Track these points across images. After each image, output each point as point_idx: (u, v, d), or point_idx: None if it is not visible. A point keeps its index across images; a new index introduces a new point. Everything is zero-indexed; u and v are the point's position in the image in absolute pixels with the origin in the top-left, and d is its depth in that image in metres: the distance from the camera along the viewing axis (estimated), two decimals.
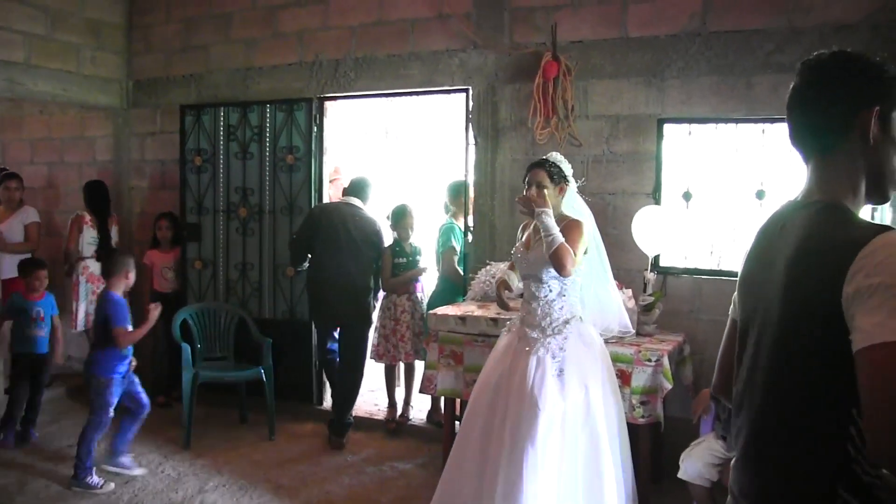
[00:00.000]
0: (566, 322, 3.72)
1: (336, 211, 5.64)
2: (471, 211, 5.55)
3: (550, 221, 3.64)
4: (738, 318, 1.76)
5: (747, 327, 1.69)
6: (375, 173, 6.53)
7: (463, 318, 4.56)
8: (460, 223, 5.71)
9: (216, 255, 6.41)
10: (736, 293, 1.83)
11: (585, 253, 3.79)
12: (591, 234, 3.86)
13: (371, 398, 6.48)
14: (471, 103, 5.40)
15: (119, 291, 4.90)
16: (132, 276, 5.03)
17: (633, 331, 4.23)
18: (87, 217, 6.53)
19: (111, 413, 4.87)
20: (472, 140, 5.39)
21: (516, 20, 5.21)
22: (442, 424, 5.12)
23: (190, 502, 4.58)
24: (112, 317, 4.76)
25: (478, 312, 4.60)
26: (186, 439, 5.44)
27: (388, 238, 5.82)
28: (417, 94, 5.84)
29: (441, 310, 4.78)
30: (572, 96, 4.94)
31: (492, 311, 4.59)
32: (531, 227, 3.90)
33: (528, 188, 3.82)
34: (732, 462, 1.74)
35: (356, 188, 5.79)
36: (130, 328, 4.88)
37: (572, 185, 3.90)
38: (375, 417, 5.96)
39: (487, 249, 5.30)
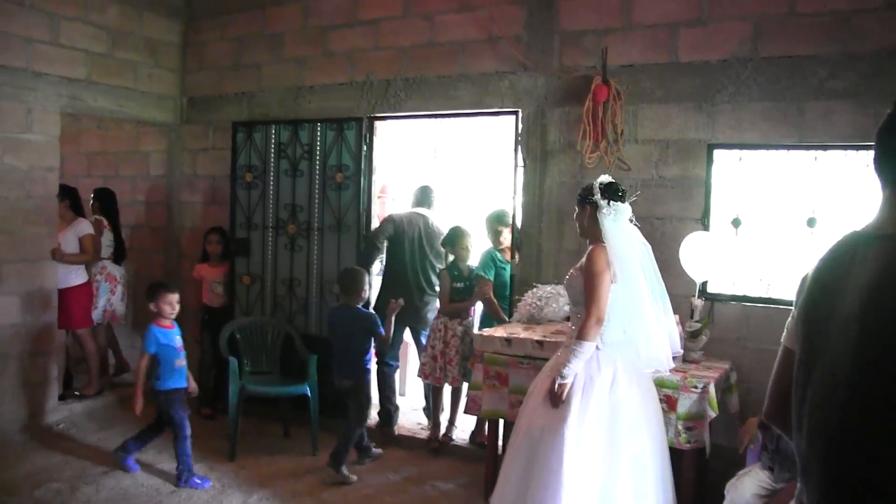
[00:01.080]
0: (597, 348, 3.72)
1: (408, 220, 6.17)
2: (501, 243, 5.78)
3: (567, 377, 3.65)
4: (799, 349, 1.73)
5: (812, 361, 1.66)
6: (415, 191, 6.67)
7: (508, 340, 4.62)
8: (504, 252, 5.83)
9: (264, 271, 6.57)
10: (792, 322, 1.83)
11: (614, 282, 3.71)
12: (624, 258, 3.75)
13: (414, 417, 6.55)
14: (520, 125, 5.47)
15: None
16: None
17: (672, 366, 4.07)
18: (105, 222, 6.85)
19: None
20: (520, 162, 5.47)
21: (566, 43, 5.29)
22: (485, 445, 5.18)
23: None
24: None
25: (523, 334, 4.65)
26: (232, 451, 5.57)
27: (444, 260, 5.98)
28: (467, 115, 5.96)
29: (487, 331, 4.85)
30: (622, 120, 4.99)
31: (538, 333, 4.65)
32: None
33: None
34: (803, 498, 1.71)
35: (422, 197, 6.37)
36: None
37: (606, 209, 3.77)
38: (418, 437, 6.03)
39: (534, 272, 5.36)
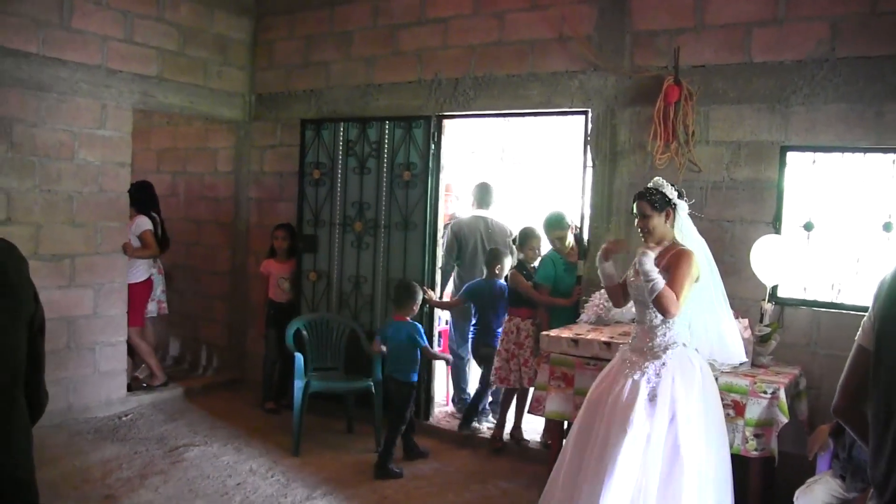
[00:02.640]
0: (667, 348, 3.83)
1: (469, 226, 6.68)
2: (562, 248, 5.98)
3: (649, 265, 3.73)
4: (877, 351, 1.87)
5: (891, 365, 1.80)
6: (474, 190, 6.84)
7: (575, 341, 4.76)
8: (567, 254, 6.00)
9: (330, 268, 6.76)
10: (868, 322, 1.96)
11: (697, 280, 3.85)
12: (703, 262, 3.92)
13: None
14: (589, 125, 5.58)
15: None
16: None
17: (748, 361, 4.32)
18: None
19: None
20: (589, 163, 5.59)
21: (637, 43, 5.39)
22: (549, 445, 5.33)
23: None
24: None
25: (590, 335, 4.79)
26: (296, 446, 5.75)
27: (514, 259, 6.15)
28: (536, 114, 6.11)
29: (554, 331, 4.98)
30: (693, 121, 5.08)
31: (605, 334, 4.79)
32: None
33: (636, 220, 4.00)
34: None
35: (481, 197, 6.80)
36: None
37: (682, 209, 3.97)
38: (480, 436, 6.18)
39: None
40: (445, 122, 6.37)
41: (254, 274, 7.30)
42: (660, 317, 3.83)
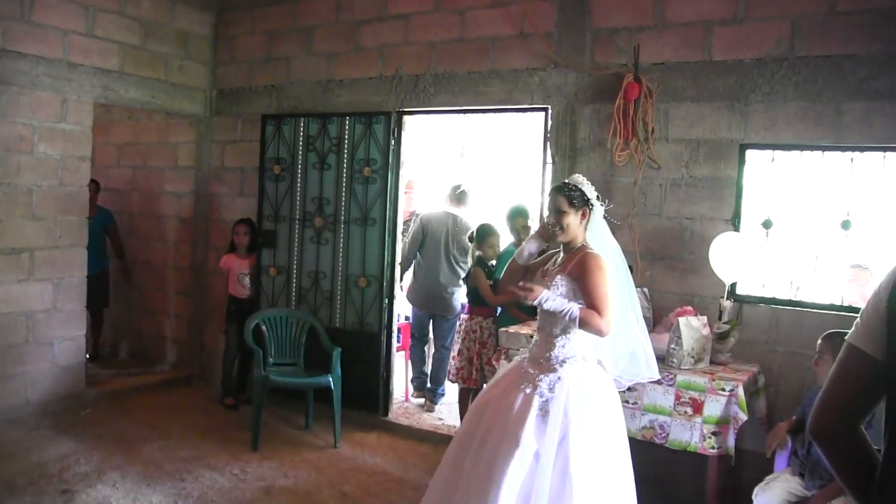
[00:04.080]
0: (564, 361, 3.41)
1: (436, 220, 6.63)
2: (497, 244, 5.77)
3: (553, 304, 3.34)
4: (887, 352, 1.54)
5: None
6: (446, 186, 6.66)
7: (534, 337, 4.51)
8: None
9: (290, 263, 6.50)
10: (874, 320, 1.59)
11: None
12: (613, 270, 3.51)
13: (435, 412, 6.50)
14: (549, 122, 5.36)
15: None
16: None
17: (658, 377, 3.87)
18: None
19: None
20: (549, 160, 5.35)
21: (598, 41, 5.17)
22: None
23: (256, 503, 4.63)
24: None
25: None
26: (254, 441, 5.52)
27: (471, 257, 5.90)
28: (496, 111, 5.86)
29: (513, 328, 4.75)
30: (653, 119, 4.86)
31: None
32: (556, 254, 3.68)
33: (549, 214, 3.61)
34: None
35: (456, 197, 6.71)
36: None
37: (598, 210, 3.57)
38: (440, 432, 5.95)
39: None
40: (406, 118, 6.12)
41: (214, 269, 7.01)
42: (560, 327, 3.44)
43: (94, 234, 7.08)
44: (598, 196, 3.60)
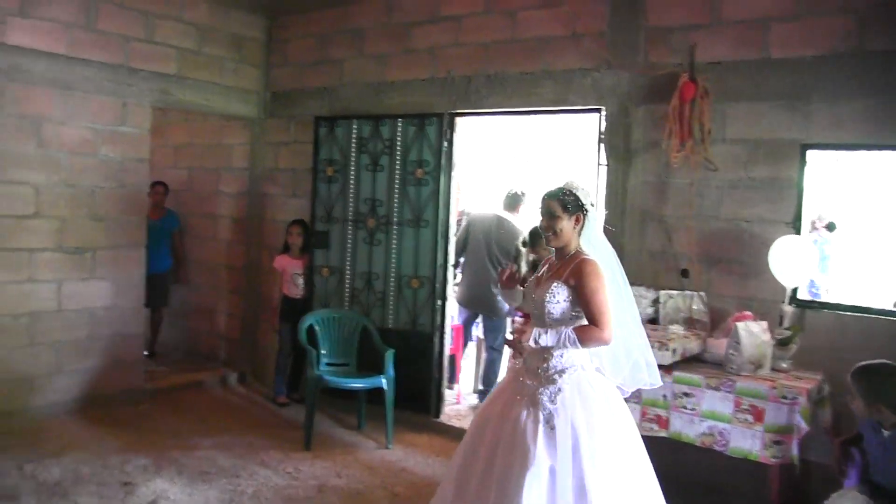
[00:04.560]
0: (562, 372, 3.26)
1: (482, 221, 6.61)
2: None
3: (549, 338, 3.23)
4: None
5: None
6: (503, 191, 6.56)
7: None
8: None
9: (343, 264, 6.45)
10: None
11: None
12: (609, 276, 3.35)
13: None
14: (603, 123, 5.22)
15: None
16: None
17: (659, 383, 3.62)
18: None
19: None
20: (602, 161, 5.22)
21: (652, 40, 5.01)
22: None
23: (309, 502, 4.60)
24: None
25: None
26: (307, 440, 5.50)
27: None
28: (548, 112, 5.73)
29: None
30: (709, 119, 4.66)
31: None
32: (550, 261, 3.54)
33: (542, 219, 3.45)
34: None
35: (509, 203, 6.68)
36: None
37: (592, 215, 3.42)
38: None
39: None
40: (458, 119, 6.03)
41: (267, 269, 7.01)
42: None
43: (160, 236, 7.31)
44: (593, 202, 3.46)
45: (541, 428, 3.18)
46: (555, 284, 3.32)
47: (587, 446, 3.13)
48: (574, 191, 3.38)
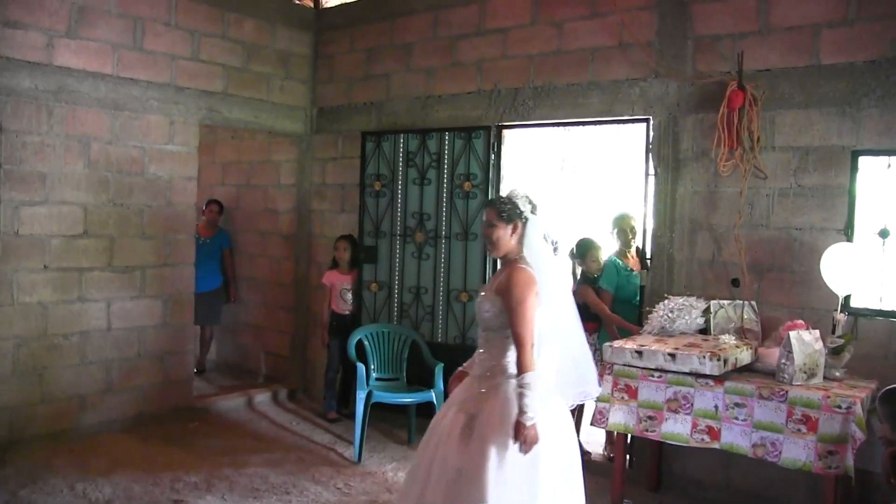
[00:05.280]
0: (493, 377, 3.44)
1: None
2: (631, 244, 5.86)
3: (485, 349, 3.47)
4: None
5: None
6: (551, 203, 6.73)
7: (639, 352, 4.57)
8: (627, 259, 5.87)
9: (391, 278, 6.69)
10: None
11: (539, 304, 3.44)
12: (547, 284, 3.49)
13: None
14: (651, 133, 5.41)
15: None
16: None
17: (594, 392, 3.86)
18: None
19: None
20: (651, 171, 5.41)
21: (700, 49, 5.20)
22: (612, 458, 5.16)
23: None
24: None
25: (655, 346, 4.59)
26: (358, 455, 5.71)
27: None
28: (596, 123, 5.94)
29: (618, 342, 4.81)
30: (758, 127, 4.86)
31: (669, 345, 4.59)
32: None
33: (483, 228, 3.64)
34: None
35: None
36: None
37: (533, 224, 3.54)
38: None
39: (665, 283, 5.30)
40: (505, 132, 6.26)
41: (316, 285, 7.29)
42: (491, 346, 3.50)
43: (211, 254, 7.65)
44: (534, 208, 3.58)
45: (459, 431, 3.39)
46: (488, 293, 3.54)
47: (496, 453, 3.30)
48: (514, 199, 3.55)
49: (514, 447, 3.27)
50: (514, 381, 3.37)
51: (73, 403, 5.96)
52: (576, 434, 3.70)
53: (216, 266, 7.93)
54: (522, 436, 3.23)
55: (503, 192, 3.69)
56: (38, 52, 5.58)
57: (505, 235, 3.53)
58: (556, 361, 3.55)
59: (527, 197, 3.58)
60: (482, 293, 3.60)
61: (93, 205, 5.98)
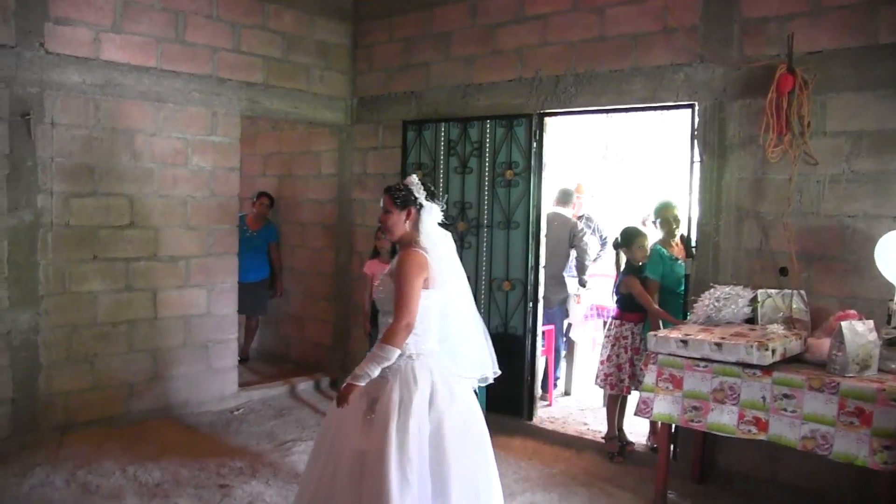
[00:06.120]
0: (396, 360, 3.48)
1: (549, 219, 6.63)
2: (675, 233, 5.77)
3: (360, 376, 3.43)
4: None
5: None
6: (594, 191, 6.64)
7: (685, 342, 4.45)
8: (671, 247, 5.76)
9: None
10: None
11: (428, 286, 3.54)
12: (442, 270, 3.63)
13: (581, 417, 6.51)
14: (696, 119, 5.26)
15: None
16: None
17: (492, 375, 3.90)
18: None
19: None
20: (697, 158, 5.26)
21: (747, 32, 5.03)
22: (656, 449, 5.06)
23: None
24: None
25: (701, 336, 4.46)
26: None
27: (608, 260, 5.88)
28: (640, 110, 5.81)
29: (662, 332, 4.70)
30: (809, 111, 4.68)
31: (716, 335, 4.45)
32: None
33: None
34: None
35: (560, 196, 7.13)
36: None
37: (428, 211, 3.66)
38: (585, 438, 5.96)
39: (711, 271, 5.15)
40: (547, 119, 6.15)
41: (357, 274, 7.27)
42: (384, 324, 3.60)
43: (258, 246, 7.69)
44: (432, 195, 3.70)
45: (362, 412, 3.45)
46: (384, 277, 3.67)
47: (401, 435, 3.35)
48: (409, 186, 3.65)
49: (415, 428, 3.37)
50: (413, 363, 3.50)
51: (123, 390, 6.05)
52: (482, 415, 3.72)
53: (263, 258, 7.95)
54: (341, 393, 3.42)
55: (403, 180, 3.79)
56: (86, 48, 5.65)
57: (399, 221, 3.63)
58: (457, 345, 3.73)
59: (423, 184, 3.68)
60: (381, 277, 3.72)
61: (138, 196, 6.05)
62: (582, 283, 7.25)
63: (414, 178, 3.72)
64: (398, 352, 3.44)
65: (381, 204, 3.71)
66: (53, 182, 5.55)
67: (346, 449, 3.44)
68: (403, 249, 3.64)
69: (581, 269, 7.19)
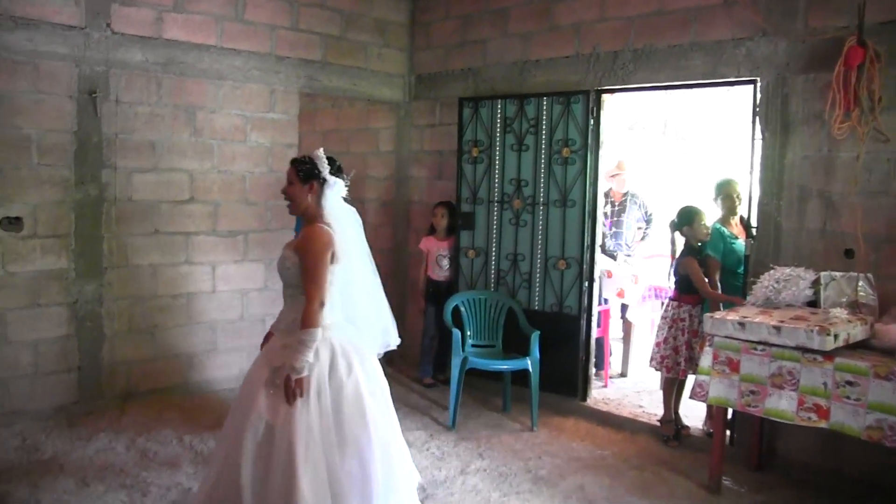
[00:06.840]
0: (294, 332, 3.45)
1: None
2: (736, 211, 5.59)
3: (296, 366, 3.36)
4: None
5: None
6: (653, 169, 6.46)
7: (742, 324, 4.30)
8: (730, 226, 5.58)
9: (488, 245, 6.58)
10: None
11: (335, 261, 3.52)
12: (347, 246, 3.61)
13: (636, 399, 6.39)
14: (758, 95, 5.05)
15: None
16: None
17: (394, 343, 3.92)
18: None
19: None
20: (758, 135, 5.05)
21: (813, 3, 4.77)
22: (711, 433, 4.92)
23: (452, 482, 4.74)
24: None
25: (759, 318, 4.30)
26: (452, 421, 5.67)
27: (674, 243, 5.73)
28: (699, 86, 5.62)
29: (719, 314, 4.55)
30: (880, 85, 4.40)
31: (774, 317, 4.29)
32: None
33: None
34: None
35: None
36: None
37: (332, 186, 3.60)
38: (639, 420, 5.84)
39: (771, 252, 4.95)
40: (605, 96, 6.00)
41: (414, 251, 7.25)
42: (288, 296, 3.62)
43: None
44: (339, 169, 3.65)
45: (264, 386, 3.43)
46: (287, 250, 3.61)
47: (305, 405, 3.36)
48: (315, 159, 3.59)
49: (316, 397, 3.39)
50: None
51: (182, 361, 6.17)
52: (387, 384, 3.74)
53: None
54: (291, 389, 3.33)
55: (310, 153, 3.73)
56: (149, 27, 5.73)
57: (301, 194, 3.60)
58: (361, 316, 3.77)
59: (329, 158, 3.64)
60: (284, 252, 3.66)
61: (198, 171, 6.15)
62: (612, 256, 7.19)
63: (319, 152, 3.66)
64: (320, 329, 3.43)
65: (286, 175, 3.72)
66: (117, 158, 5.68)
67: (253, 419, 3.41)
68: (308, 225, 3.62)
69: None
